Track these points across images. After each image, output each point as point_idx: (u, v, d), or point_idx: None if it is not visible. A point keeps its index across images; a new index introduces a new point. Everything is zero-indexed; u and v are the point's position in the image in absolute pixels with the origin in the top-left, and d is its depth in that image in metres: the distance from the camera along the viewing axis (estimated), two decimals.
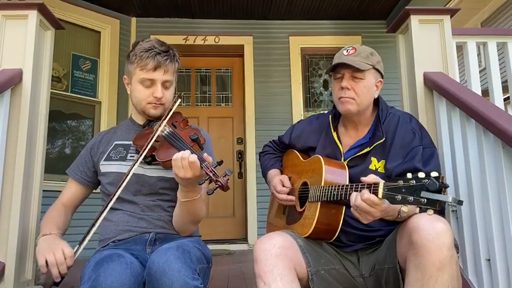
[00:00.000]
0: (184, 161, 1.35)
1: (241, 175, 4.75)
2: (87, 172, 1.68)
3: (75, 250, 1.41)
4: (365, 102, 1.63)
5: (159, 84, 1.59)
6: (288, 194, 1.72)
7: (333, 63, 1.62)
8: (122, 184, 1.47)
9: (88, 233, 1.44)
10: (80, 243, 1.44)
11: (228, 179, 1.37)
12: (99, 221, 1.46)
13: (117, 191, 1.47)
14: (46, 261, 1.36)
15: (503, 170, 1.59)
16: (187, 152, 1.38)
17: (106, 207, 1.47)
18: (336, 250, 1.57)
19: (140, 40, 1.66)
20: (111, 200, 1.47)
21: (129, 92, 1.68)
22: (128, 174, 1.48)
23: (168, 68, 1.60)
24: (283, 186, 1.73)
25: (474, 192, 1.77)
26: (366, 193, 1.28)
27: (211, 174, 1.37)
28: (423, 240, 1.24)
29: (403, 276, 1.37)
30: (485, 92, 2.35)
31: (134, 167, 1.49)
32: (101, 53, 4.51)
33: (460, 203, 1.18)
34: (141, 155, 1.50)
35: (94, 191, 1.75)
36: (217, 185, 1.36)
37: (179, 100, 1.62)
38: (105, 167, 1.63)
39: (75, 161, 1.73)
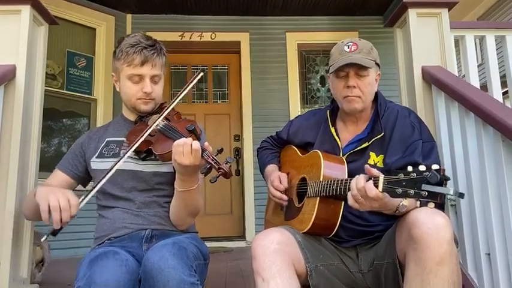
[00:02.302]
0: (186, 146, 1.34)
1: (239, 172, 4.73)
2: (78, 166, 1.65)
3: (80, 200, 1.38)
4: (369, 99, 1.63)
5: (148, 79, 1.58)
6: (286, 191, 1.71)
7: (339, 62, 1.58)
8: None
9: (94, 187, 1.42)
10: (86, 195, 1.41)
11: (230, 166, 1.36)
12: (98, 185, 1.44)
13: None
14: (49, 207, 1.32)
15: (503, 163, 1.58)
16: (190, 139, 1.36)
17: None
18: (334, 246, 1.57)
19: (125, 36, 1.64)
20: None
21: (118, 89, 1.66)
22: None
23: (155, 62, 1.58)
24: (280, 182, 1.71)
25: (474, 186, 1.76)
26: (369, 184, 1.26)
27: (213, 163, 1.36)
28: (423, 235, 1.23)
29: (402, 271, 1.36)
30: (484, 87, 2.34)
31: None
32: (97, 50, 4.48)
33: (461, 195, 1.16)
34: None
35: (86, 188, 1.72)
36: (220, 173, 1.35)
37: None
38: (98, 164, 1.60)
39: (64, 156, 1.69)
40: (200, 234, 1.69)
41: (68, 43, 4.34)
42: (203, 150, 1.37)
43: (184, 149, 1.34)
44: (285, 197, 1.69)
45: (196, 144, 1.34)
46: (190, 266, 1.26)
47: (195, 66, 4.99)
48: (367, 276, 1.52)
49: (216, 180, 1.34)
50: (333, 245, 1.56)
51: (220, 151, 1.38)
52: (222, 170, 1.34)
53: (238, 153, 4.78)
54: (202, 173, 1.38)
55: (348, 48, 1.60)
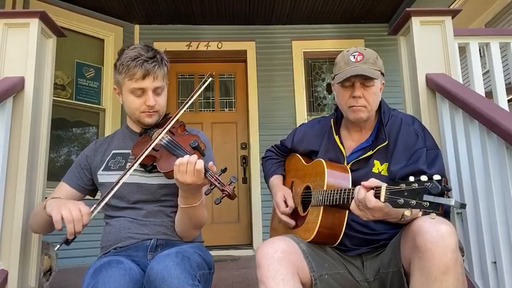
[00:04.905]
0: (190, 165, 1.33)
1: (246, 180, 4.74)
2: (83, 178, 1.66)
3: (91, 209, 1.39)
4: (375, 108, 1.63)
5: (150, 92, 1.56)
6: (293, 197, 1.72)
7: (345, 73, 1.57)
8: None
9: (104, 198, 1.43)
10: (97, 205, 1.41)
11: (234, 187, 1.35)
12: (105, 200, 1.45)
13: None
14: (62, 218, 1.33)
15: (507, 171, 1.58)
16: (195, 157, 1.35)
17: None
18: (339, 254, 1.56)
19: (126, 48, 1.62)
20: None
21: (121, 102, 1.65)
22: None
23: (157, 75, 1.56)
24: (286, 205, 1.70)
25: (479, 194, 1.75)
26: (369, 195, 1.26)
27: (216, 183, 1.35)
28: (427, 243, 1.23)
29: (407, 279, 1.36)
30: (489, 95, 2.33)
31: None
32: (105, 60, 4.54)
33: (463, 206, 1.16)
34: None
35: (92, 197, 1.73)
36: (224, 194, 1.34)
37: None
38: (105, 177, 1.61)
39: (69, 169, 1.70)
40: (207, 242, 1.69)
41: (77, 54, 4.40)
42: (206, 170, 1.36)
43: (188, 168, 1.34)
44: (292, 222, 1.68)
45: (199, 164, 1.34)
46: (194, 275, 1.26)
47: (202, 75, 5.02)
48: (373, 285, 1.51)
49: (220, 201, 1.34)
50: (338, 254, 1.56)
51: (223, 170, 1.37)
52: (226, 192, 1.34)
53: (245, 161, 4.79)
54: (207, 194, 1.38)
55: (354, 58, 1.59)
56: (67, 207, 1.35)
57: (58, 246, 1.37)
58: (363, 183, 1.31)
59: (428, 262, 1.22)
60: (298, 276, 1.38)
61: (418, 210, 1.20)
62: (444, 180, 1.16)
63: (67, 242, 1.37)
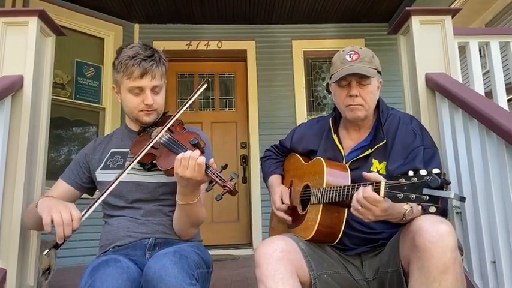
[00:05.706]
0: (192, 160, 1.33)
1: (246, 180, 4.74)
2: (82, 176, 1.66)
3: (82, 214, 1.38)
4: (372, 106, 1.63)
5: (148, 90, 1.56)
6: (290, 198, 1.72)
7: (341, 72, 1.58)
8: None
9: (96, 201, 1.42)
10: (88, 209, 1.40)
11: (235, 183, 1.36)
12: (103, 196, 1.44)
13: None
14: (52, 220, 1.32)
15: (507, 170, 1.57)
16: (197, 152, 1.36)
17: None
18: (338, 254, 1.56)
19: (124, 46, 1.62)
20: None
21: (119, 101, 1.66)
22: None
23: (155, 73, 1.56)
24: (282, 202, 1.71)
25: (478, 193, 1.75)
26: (368, 190, 1.27)
27: (217, 180, 1.36)
28: (426, 243, 1.23)
29: (407, 279, 1.35)
30: (489, 95, 2.32)
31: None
32: (105, 59, 4.54)
33: (463, 199, 1.17)
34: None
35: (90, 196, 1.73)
36: (225, 190, 1.34)
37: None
38: (103, 175, 1.61)
39: (68, 167, 1.70)
40: (207, 242, 1.69)
41: (77, 53, 4.39)
42: (207, 166, 1.36)
43: (190, 163, 1.34)
44: (289, 218, 1.69)
45: (201, 159, 1.34)
46: (192, 274, 1.26)
47: (202, 75, 5.03)
48: (372, 284, 1.51)
49: (221, 197, 1.34)
50: (337, 253, 1.56)
51: (224, 167, 1.37)
52: (227, 188, 1.34)
53: (245, 160, 4.79)
54: (208, 191, 1.39)
55: (350, 57, 1.60)
56: (58, 210, 1.34)
57: (47, 251, 1.36)
58: (363, 173, 1.31)
59: (427, 262, 1.22)
60: (297, 276, 1.38)
61: (417, 204, 1.20)
62: (443, 173, 1.16)
63: (56, 246, 1.35)
